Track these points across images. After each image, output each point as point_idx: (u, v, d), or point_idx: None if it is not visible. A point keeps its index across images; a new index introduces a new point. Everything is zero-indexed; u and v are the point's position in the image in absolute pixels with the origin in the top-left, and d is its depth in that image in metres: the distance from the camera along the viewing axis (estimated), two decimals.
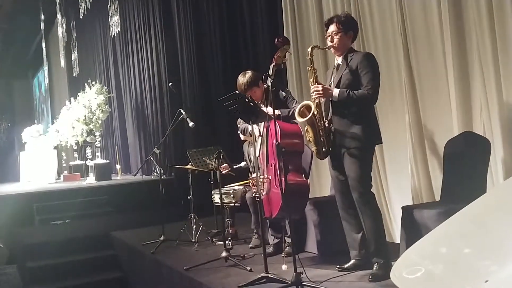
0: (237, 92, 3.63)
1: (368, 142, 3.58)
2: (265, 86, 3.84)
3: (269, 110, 3.77)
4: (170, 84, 6.44)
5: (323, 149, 3.62)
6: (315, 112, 3.57)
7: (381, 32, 4.90)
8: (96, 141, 9.96)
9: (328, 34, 3.70)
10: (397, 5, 4.60)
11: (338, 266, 3.71)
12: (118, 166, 10.76)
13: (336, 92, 3.55)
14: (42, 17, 17.38)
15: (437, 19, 4.26)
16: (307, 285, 3.32)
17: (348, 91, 3.51)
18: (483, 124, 3.93)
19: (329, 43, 3.69)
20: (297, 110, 3.67)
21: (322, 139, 3.60)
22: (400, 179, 4.70)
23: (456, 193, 3.74)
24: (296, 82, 6.03)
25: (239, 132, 4.87)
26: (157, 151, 5.47)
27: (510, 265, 1.65)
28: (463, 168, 3.80)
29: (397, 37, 4.64)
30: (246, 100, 3.69)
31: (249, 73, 4.47)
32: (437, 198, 4.18)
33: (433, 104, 4.38)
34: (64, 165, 13.20)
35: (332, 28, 3.66)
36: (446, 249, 2.07)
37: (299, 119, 3.64)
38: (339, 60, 3.72)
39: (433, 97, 4.38)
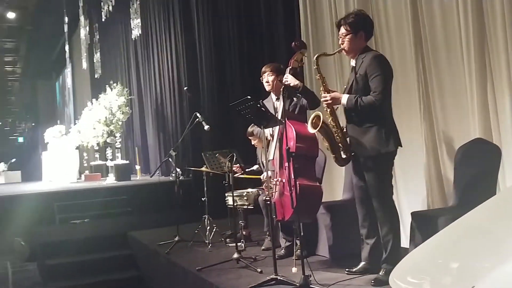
0: (249, 97, 3.68)
1: (384, 149, 3.45)
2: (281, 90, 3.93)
3: (289, 77, 3.87)
4: (185, 88, 6.51)
5: (342, 156, 3.58)
6: (327, 122, 3.54)
7: (396, 33, 4.81)
8: (117, 142, 10.11)
9: (339, 36, 3.61)
10: (413, 4, 4.48)
11: (347, 269, 3.72)
12: (137, 167, 10.91)
13: (344, 99, 3.49)
14: (66, 19, 17.67)
15: (456, 20, 4.12)
16: None
17: (356, 98, 3.44)
18: (497, 131, 3.87)
19: (341, 46, 3.61)
20: (309, 122, 3.65)
21: (340, 145, 3.56)
22: (411, 184, 4.70)
23: (466, 199, 3.72)
24: (314, 85, 6.02)
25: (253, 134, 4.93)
26: (173, 153, 5.55)
27: (496, 269, 1.68)
28: (474, 174, 3.80)
29: (413, 39, 4.53)
30: (258, 105, 3.75)
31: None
32: (449, 203, 4.18)
33: (449, 109, 4.32)
34: (85, 165, 13.43)
35: (342, 30, 3.56)
36: (444, 256, 2.10)
37: (311, 130, 3.61)
38: (352, 62, 3.63)
39: (449, 101, 4.31)
